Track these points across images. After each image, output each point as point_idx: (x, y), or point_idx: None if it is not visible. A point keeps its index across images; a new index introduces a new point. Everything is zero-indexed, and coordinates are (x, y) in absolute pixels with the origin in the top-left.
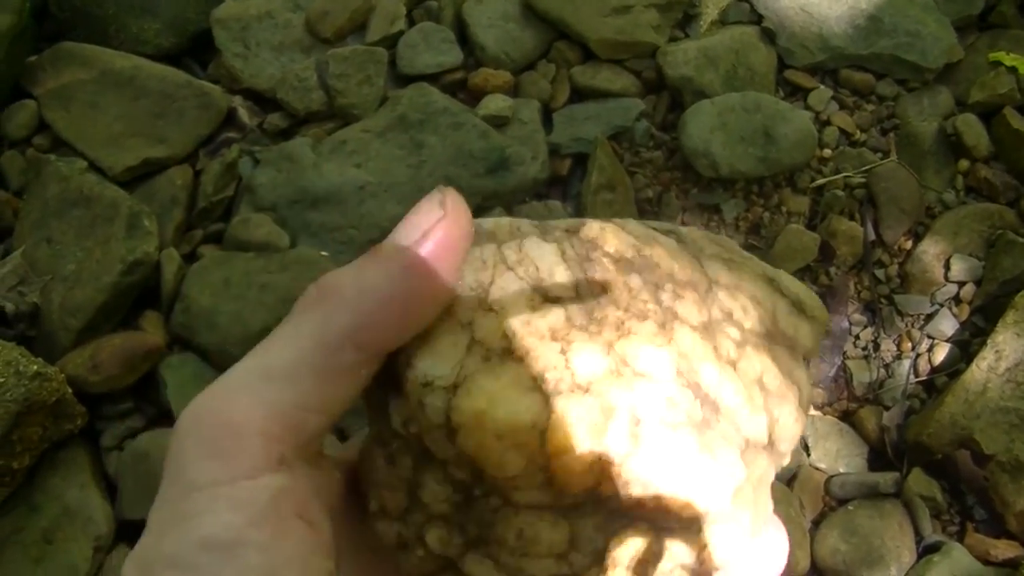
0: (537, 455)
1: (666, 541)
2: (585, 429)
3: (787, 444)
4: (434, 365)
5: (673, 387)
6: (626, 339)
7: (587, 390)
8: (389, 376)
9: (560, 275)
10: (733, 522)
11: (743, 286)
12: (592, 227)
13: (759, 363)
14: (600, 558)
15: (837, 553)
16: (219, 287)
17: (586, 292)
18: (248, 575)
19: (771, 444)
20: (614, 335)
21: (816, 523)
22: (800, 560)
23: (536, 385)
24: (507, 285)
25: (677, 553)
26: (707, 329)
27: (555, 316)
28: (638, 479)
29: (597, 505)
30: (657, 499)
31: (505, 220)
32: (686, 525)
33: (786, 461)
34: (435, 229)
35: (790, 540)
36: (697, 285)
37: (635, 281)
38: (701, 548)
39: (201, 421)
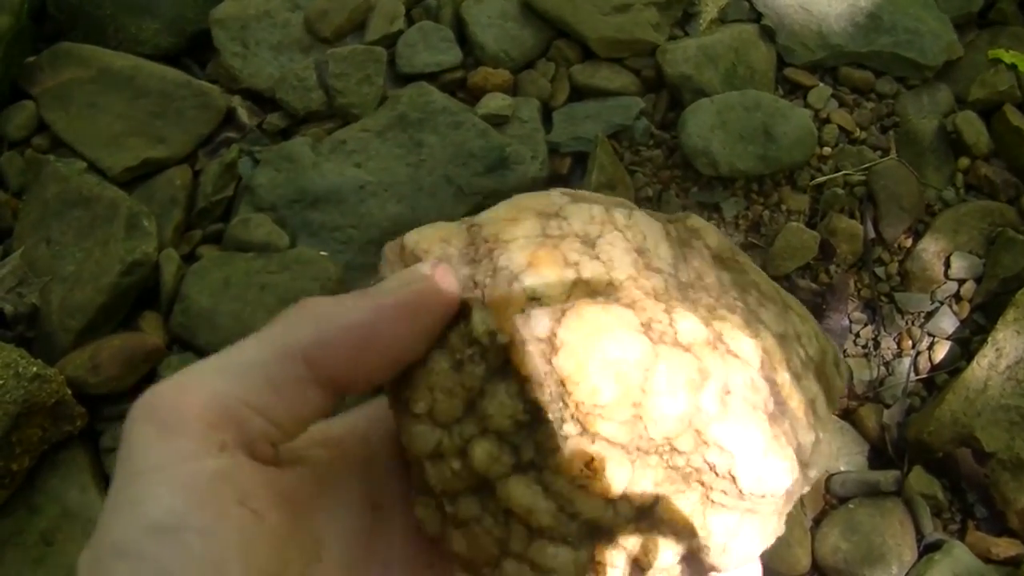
0: (633, 391)
1: (709, 515)
2: (684, 380)
3: (815, 472)
4: (544, 285)
5: (758, 375)
6: (720, 321)
7: (688, 349)
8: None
9: (663, 251)
10: (755, 523)
11: (807, 319)
12: (696, 219)
13: (815, 388)
14: (641, 516)
15: (838, 551)
16: (219, 287)
17: (683, 272)
18: (191, 562)
19: (806, 465)
20: (708, 316)
21: (817, 521)
22: (801, 558)
23: (643, 331)
24: (615, 242)
25: (716, 527)
26: (783, 340)
27: (658, 280)
28: (717, 443)
29: (662, 459)
30: (729, 469)
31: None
32: (731, 505)
33: (807, 489)
34: (417, 287)
35: (791, 539)
36: (776, 300)
37: (726, 278)
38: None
39: (151, 408)
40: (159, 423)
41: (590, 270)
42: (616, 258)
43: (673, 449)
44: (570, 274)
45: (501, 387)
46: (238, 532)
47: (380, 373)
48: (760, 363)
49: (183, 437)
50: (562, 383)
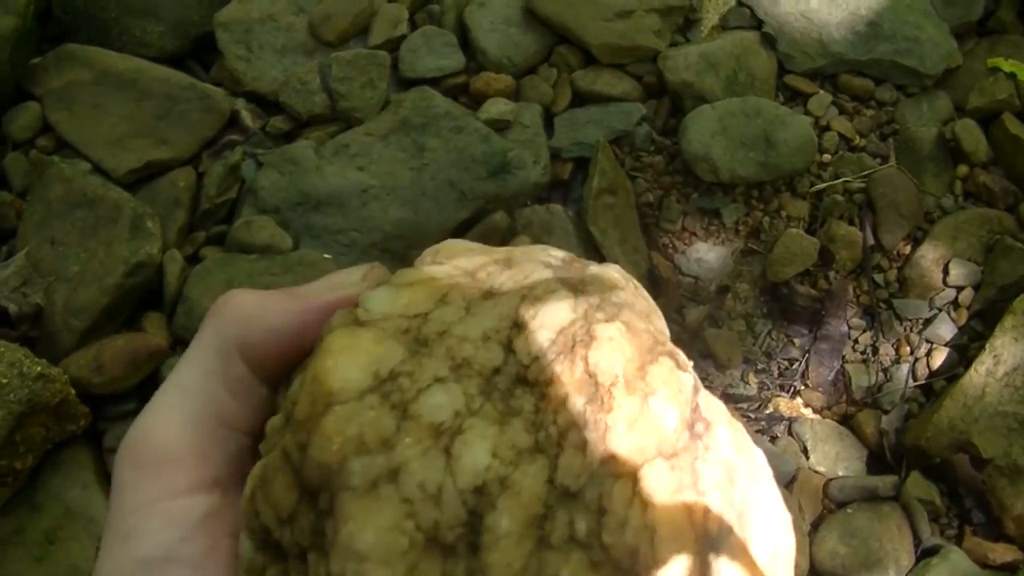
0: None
1: None
2: None
3: None
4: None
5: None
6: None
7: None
8: None
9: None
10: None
11: None
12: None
13: None
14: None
15: (836, 556)
16: (222, 289)
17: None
18: None
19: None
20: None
21: (815, 526)
22: (799, 563)
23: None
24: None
25: None
26: None
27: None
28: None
29: None
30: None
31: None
32: None
33: None
34: (345, 293)
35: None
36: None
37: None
38: None
39: (135, 447)
40: (144, 464)
41: None
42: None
43: None
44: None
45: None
46: (229, 564)
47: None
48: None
49: (171, 474)
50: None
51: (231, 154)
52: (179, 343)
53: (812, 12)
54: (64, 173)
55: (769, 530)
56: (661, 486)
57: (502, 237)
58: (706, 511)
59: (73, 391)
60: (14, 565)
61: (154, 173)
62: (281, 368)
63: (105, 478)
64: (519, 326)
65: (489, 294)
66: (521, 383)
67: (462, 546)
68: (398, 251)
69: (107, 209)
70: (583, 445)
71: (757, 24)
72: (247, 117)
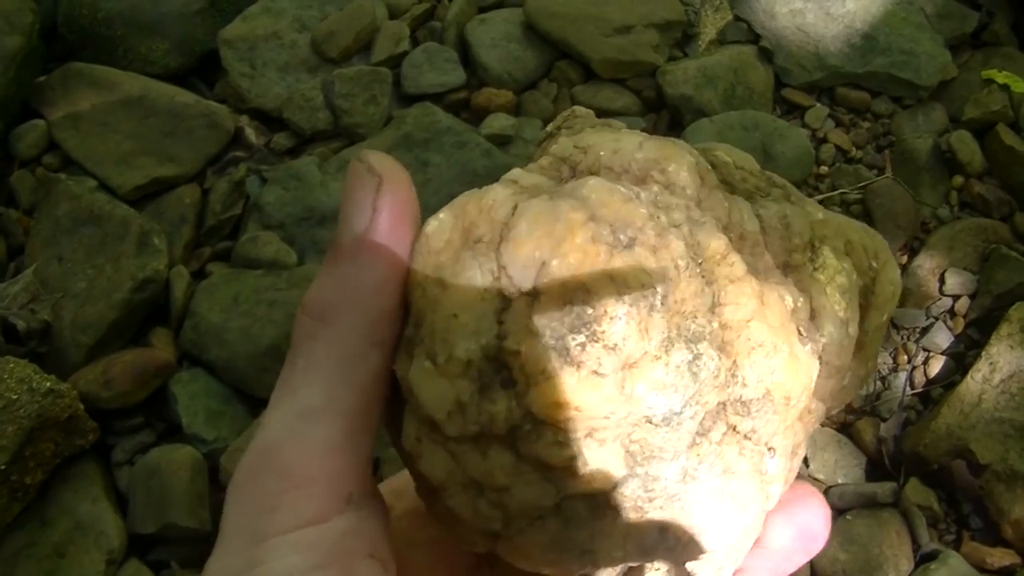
0: None
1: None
2: None
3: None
4: None
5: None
6: None
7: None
8: None
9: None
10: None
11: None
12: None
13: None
14: None
15: (836, 562)
16: (228, 304)
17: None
18: None
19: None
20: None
21: None
22: (800, 569)
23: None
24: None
25: None
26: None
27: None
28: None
29: None
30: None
31: None
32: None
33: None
34: (379, 202)
35: None
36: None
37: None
38: None
39: (257, 475)
40: (271, 492)
41: None
42: None
43: None
44: None
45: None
46: None
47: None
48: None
49: (306, 500)
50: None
51: (236, 170)
52: (186, 358)
53: (808, 26)
54: (71, 190)
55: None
56: None
57: None
58: None
59: (82, 406)
60: None
61: (160, 190)
62: (398, 316)
63: (114, 492)
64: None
65: None
66: None
67: None
68: None
69: (114, 226)
70: None
71: (754, 38)
72: (251, 134)
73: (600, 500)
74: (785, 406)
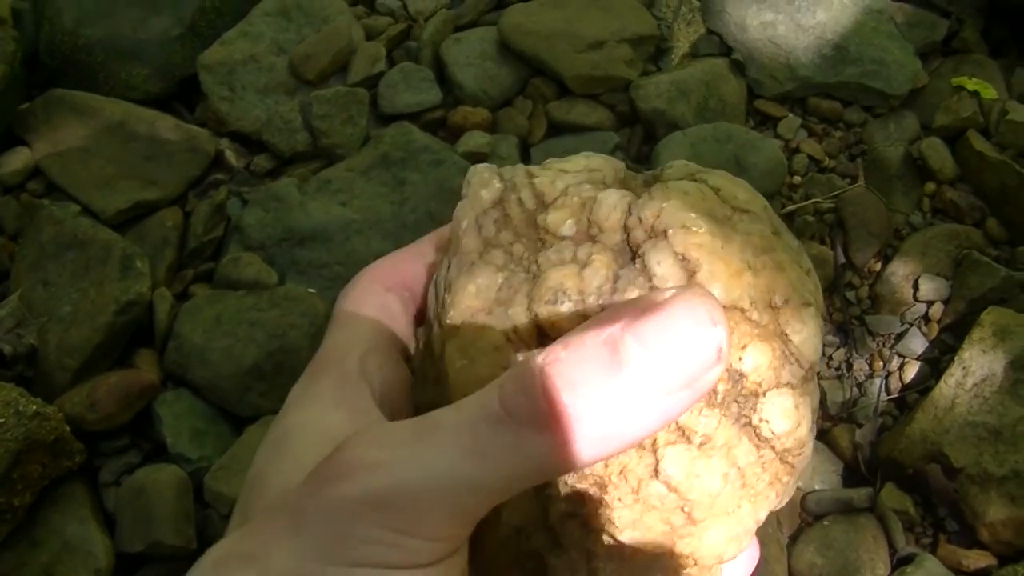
0: None
1: None
2: None
3: None
4: None
5: None
6: None
7: None
8: None
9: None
10: None
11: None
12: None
13: None
14: None
15: (814, 567)
16: (211, 324)
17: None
18: None
19: None
20: None
21: (793, 539)
22: (779, 575)
23: None
24: None
25: None
26: None
27: None
28: None
29: None
30: None
31: None
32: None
33: None
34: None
35: (769, 556)
36: None
37: None
38: None
39: (383, 508)
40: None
41: None
42: None
43: None
44: None
45: None
46: None
47: None
48: None
49: (422, 542)
50: None
51: (217, 193)
52: (170, 378)
53: (780, 38)
54: (55, 215)
55: None
56: None
57: None
58: None
59: (68, 428)
60: None
61: (142, 213)
62: None
63: (102, 513)
64: None
65: None
66: None
67: None
68: None
69: (97, 250)
70: None
71: (727, 51)
72: (231, 156)
73: None
74: None
